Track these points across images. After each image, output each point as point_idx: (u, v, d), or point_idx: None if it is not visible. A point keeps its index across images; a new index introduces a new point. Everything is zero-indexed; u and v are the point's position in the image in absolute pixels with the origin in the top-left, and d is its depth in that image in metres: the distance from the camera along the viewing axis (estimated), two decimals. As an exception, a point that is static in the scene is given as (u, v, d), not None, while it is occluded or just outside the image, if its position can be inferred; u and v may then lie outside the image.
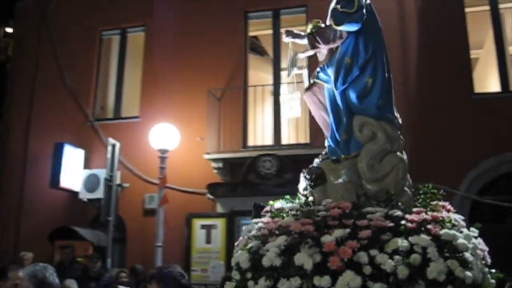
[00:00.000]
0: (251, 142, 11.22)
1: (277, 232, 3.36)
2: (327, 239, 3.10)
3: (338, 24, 3.88)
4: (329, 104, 3.99)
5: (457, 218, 3.44)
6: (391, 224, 3.15)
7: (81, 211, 11.33)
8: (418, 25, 10.78)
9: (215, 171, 10.67)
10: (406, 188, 3.64)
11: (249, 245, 3.38)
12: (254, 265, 3.27)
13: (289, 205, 3.65)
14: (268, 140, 11.32)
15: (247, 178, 10.16)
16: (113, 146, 10.27)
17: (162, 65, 11.67)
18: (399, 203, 3.42)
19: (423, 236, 3.07)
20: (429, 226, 3.17)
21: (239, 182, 10.32)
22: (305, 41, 4.06)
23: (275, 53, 11.68)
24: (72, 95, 12.12)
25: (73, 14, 12.76)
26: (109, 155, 10.22)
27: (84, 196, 11.14)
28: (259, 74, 12.39)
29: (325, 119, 4.08)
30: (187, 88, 11.37)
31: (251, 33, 12.18)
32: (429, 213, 3.30)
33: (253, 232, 3.53)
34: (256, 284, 3.19)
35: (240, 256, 3.34)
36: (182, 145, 10.23)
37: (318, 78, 4.03)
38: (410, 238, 3.07)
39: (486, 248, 3.41)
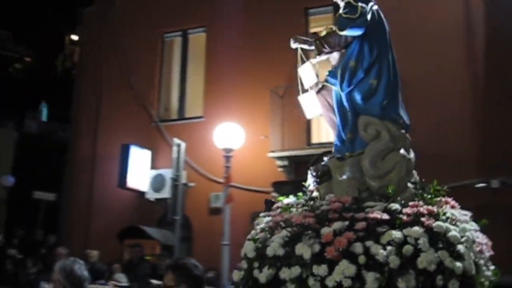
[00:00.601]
0: (315, 139, 11.07)
1: (283, 225, 3.59)
2: (326, 230, 3.33)
3: (341, 29, 4.09)
4: (336, 105, 4.23)
5: (456, 213, 3.57)
6: (387, 217, 3.33)
7: (148, 211, 11.55)
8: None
9: (280, 169, 10.62)
10: (409, 185, 3.82)
11: (257, 237, 3.67)
12: (260, 255, 3.52)
13: (296, 200, 3.98)
14: (333, 137, 11.11)
15: (312, 176, 10.04)
16: (179, 146, 10.37)
17: (224, 64, 11.74)
18: (399, 198, 3.58)
19: (416, 228, 3.25)
20: (423, 219, 3.33)
21: (304, 180, 10.19)
22: (312, 47, 4.36)
23: (337, 48, 11.50)
24: (136, 97, 12.37)
25: (135, 18, 13.02)
26: (174, 155, 10.33)
27: (151, 195, 11.33)
28: (321, 70, 12.21)
29: (333, 120, 4.32)
30: (250, 87, 11.38)
31: (312, 29, 12.05)
32: (425, 207, 3.44)
33: (262, 225, 3.78)
34: (261, 273, 3.43)
35: (247, 247, 3.61)
36: (246, 144, 10.21)
37: (326, 81, 4.28)
38: (404, 230, 3.25)
39: (486, 241, 3.53)
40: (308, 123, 10.91)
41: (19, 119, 24.11)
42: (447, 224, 3.37)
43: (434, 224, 3.32)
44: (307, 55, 4.55)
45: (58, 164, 22.51)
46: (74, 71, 37.17)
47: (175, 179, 10.21)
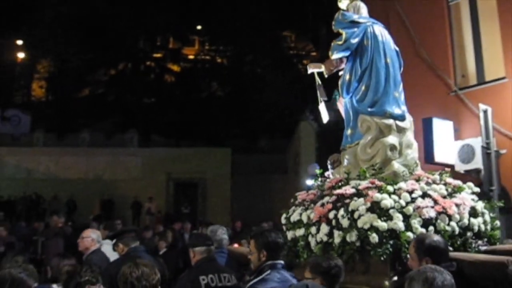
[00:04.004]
0: None
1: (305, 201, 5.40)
2: (317, 204, 5.08)
3: (331, 54, 5.68)
4: (343, 109, 5.76)
5: (401, 186, 4.82)
6: (353, 191, 4.83)
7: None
8: None
9: None
10: (395, 163, 5.19)
11: (289, 210, 5.50)
12: (289, 221, 5.42)
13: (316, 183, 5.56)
14: None
15: None
16: (485, 112, 9.73)
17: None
18: (383, 175, 5.00)
19: (361, 199, 4.66)
20: (369, 192, 4.69)
21: None
22: (322, 69, 5.88)
23: None
24: (430, 68, 11.99)
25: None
26: (482, 122, 9.72)
27: (460, 168, 10.86)
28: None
29: None
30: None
31: None
32: (377, 182, 4.81)
33: (297, 201, 5.55)
34: (288, 232, 5.33)
35: (283, 217, 5.56)
36: None
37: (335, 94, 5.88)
38: (357, 200, 4.71)
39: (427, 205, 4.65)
40: None
41: (317, 110, 25.66)
42: (383, 195, 4.64)
43: (374, 195, 4.65)
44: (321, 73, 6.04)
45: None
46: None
47: (486, 147, 9.60)
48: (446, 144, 11.00)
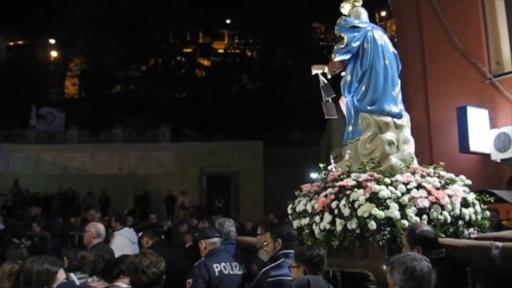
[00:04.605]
0: None
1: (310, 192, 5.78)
2: (321, 195, 5.44)
3: (334, 57, 6.10)
4: (345, 107, 6.16)
5: (398, 179, 5.22)
6: (354, 183, 5.20)
7: (494, 173, 10.85)
8: None
9: None
10: (392, 158, 5.60)
11: (295, 201, 5.89)
12: (295, 211, 5.79)
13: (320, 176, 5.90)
14: None
15: None
16: (523, 99, 9.51)
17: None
18: (381, 169, 5.38)
19: (361, 190, 5.05)
20: (368, 184, 5.07)
21: None
22: (326, 70, 6.28)
23: None
24: (464, 56, 11.74)
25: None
26: (520, 109, 9.50)
27: (496, 157, 10.63)
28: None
29: None
30: None
31: None
32: (375, 175, 5.20)
33: (302, 192, 5.93)
34: (297, 221, 5.68)
35: (289, 208, 5.93)
36: None
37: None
38: (357, 191, 5.09)
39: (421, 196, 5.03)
40: None
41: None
42: (381, 187, 5.02)
43: (372, 187, 5.02)
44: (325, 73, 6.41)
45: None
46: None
47: (525, 136, 9.38)
48: (481, 132, 10.80)
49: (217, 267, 5.00)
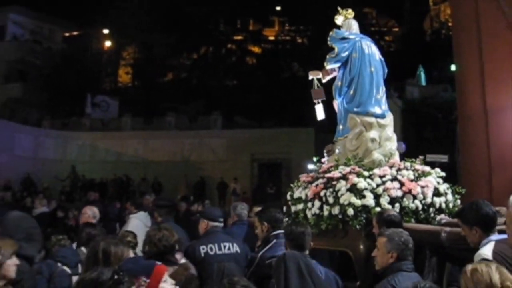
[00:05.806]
0: None
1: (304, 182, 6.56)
2: (312, 184, 6.27)
3: (326, 65, 6.93)
4: (337, 108, 6.98)
5: (375, 172, 6.04)
6: (339, 175, 6.04)
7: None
8: None
9: None
10: (374, 153, 6.39)
11: (293, 189, 6.69)
12: (292, 198, 6.60)
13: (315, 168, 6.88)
14: None
15: None
16: None
17: None
18: (364, 163, 6.25)
19: (344, 181, 5.94)
20: (350, 176, 5.94)
21: None
22: (320, 76, 7.09)
23: None
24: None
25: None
26: None
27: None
28: None
29: None
30: None
31: None
32: (357, 168, 6.06)
33: (300, 182, 6.61)
34: (294, 206, 6.50)
35: (288, 195, 6.73)
36: None
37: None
38: (341, 182, 5.96)
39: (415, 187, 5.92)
40: None
41: (401, 87, 25.06)
42: (359, 179, 5.83)
43: (353, 179, 5.83)
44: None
45: (445, 124, 22.64)
46: (443, 31, 36.80)
47: None
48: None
49: (203, 248, 5.31)
